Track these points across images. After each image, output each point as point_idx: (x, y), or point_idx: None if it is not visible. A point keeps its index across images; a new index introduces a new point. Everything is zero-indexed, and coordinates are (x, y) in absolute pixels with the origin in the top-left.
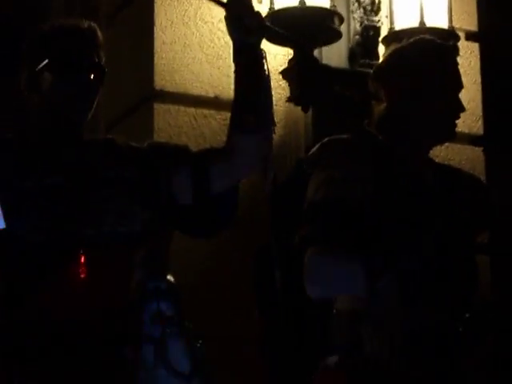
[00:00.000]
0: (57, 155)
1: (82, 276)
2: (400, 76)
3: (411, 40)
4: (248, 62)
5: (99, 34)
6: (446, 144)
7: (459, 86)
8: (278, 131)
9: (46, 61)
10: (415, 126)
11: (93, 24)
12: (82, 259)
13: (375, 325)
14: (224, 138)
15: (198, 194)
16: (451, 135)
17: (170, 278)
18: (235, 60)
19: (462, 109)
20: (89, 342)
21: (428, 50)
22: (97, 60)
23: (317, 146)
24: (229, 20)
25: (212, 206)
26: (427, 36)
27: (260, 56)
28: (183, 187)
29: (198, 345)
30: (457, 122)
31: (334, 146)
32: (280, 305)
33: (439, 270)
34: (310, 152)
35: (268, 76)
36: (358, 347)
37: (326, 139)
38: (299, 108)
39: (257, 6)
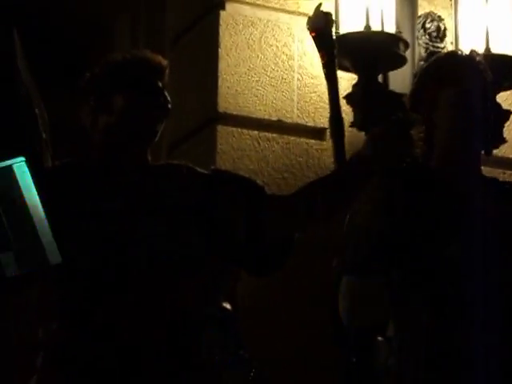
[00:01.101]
0: (119, 180)
1: (133, 298)
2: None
3: None
4: (359, 176)
5: (164, 64)
6: (510, 172)
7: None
8: None
9: (119, 83)
10: (440, 139)
11: (163, 60)
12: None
13: (402, 347)
14: (286, 162)
15: (250, 234)
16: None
17: (225, 305)
18: (351, 165)
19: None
20: (144, 363)
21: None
22: (166, 94)
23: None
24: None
25: (266, 247)
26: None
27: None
28: (236, 223)
29: (252, 374)
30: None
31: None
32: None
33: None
34: None
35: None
36: (388, 371)
37: None
38: (363, 133)
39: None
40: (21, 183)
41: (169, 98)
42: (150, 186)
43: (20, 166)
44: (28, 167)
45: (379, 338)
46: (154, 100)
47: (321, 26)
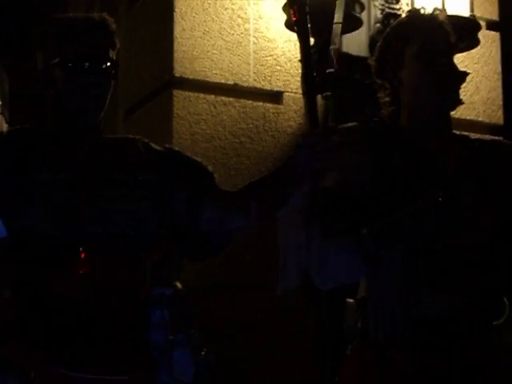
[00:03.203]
0: (73, 151)
1: (81, 272)
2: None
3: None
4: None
5: (112, 25)
6: (466, 133)
7: (440, 50)
8: (298, 120)
9: (58, 59)
10: (407, 99)
11: (105, 16)
12: (83, 254)
13: (377, 307)
14: (243, 126)
15: (189, 221)
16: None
17: (177, 284)
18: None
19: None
20: (95, 336)
21: (406, 19)
22: (110, 55)
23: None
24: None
25: (201, 234)
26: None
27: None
28: (178, 209)
29: (203, 353)
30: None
31: (334, 137)
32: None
33: (447, 250)
34: None
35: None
36: (364, 333)
37: None
38: (319, 96)
39: None
40: None
41: (113, 63)
42: (105, 158)
43: None
44: None
45: (349, 300)
46: (91, 77)
47: None
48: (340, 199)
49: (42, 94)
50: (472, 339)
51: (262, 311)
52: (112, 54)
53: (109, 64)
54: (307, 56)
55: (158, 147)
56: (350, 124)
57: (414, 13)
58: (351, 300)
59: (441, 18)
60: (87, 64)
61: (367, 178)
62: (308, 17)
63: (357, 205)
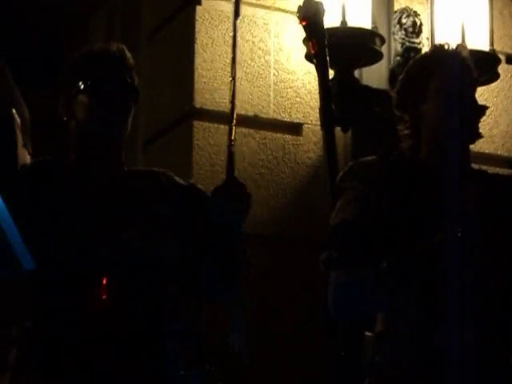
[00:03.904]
0: (94, 181)
1: (103, 297)
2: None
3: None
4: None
5: (128, 55)
6: (484, 167)
7: (463, 85)
8: (317, 151)
9: (79, 84)
10: (427, 132)
11: (121, 46)
12: (104, 281)
13: (395, 341)
14: (262, 157)
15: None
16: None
17: (191, 319)
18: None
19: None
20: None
21: (430, 54)
22: (129, 80)
23: (341, 172)
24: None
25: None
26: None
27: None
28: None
29: None
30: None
31: (354, 170)
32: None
33: (465, 285)
34: (337, 177)
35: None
36: (381, 367)
37: (350, 163)
38: (339, 128)
39: (298, 27)
40: None
41: (132, 86)
42: (126, 189)
43: None
44: None
45: (367, 333)
46: (109, 104)
47: (312, 14)
48: (359, 232)
49: (64, 127)
50: (489, 374)
51: (279, 341)
52: (133, 80)
53: (128, 86)
54: (325, 89)
55: (181, 181)
56: (368, 158)
57: (438, 48)
58: (369, 333)
59: (464, 53)
60: (107, 85)
61: (386, 213)
62: (327, 49)
63: (376, 238)
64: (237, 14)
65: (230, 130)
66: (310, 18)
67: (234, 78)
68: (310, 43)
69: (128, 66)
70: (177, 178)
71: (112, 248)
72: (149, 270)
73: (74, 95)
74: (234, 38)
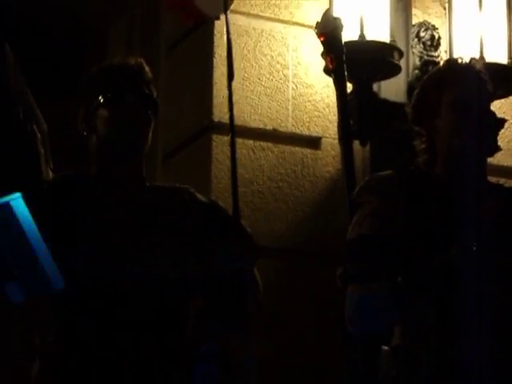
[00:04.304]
0: (116, 195)
1: (123, 312)
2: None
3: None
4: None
5: (147, 68)
6: (503, 180)
7: (475, 99)
8: (336, 165)
9: (100, 99)
10: (442, 147)
11: (139, 60)
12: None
13: (410, 354)
14: (281, 171)
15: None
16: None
17: (221, 339)
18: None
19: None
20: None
21: (443, 68)
22: (148, 93)
23: (358, 186)
24: None
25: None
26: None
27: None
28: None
29: None
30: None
31: (370, 185)
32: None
33: (483, 297)
34: (354, 192)
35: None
36: (398, 381)
37: (366, 178)
38: (357, 142)
39: (316, 41)
40: (19, 217)
41: (152, 99)
42: (148, 203)
43: (17, 202)
44: (24, 202)
45: (384, 347)
46: (130, 117)
47: (330, 30)
48: (375, 247)
49: (83, 140)
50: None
51: (294, 352)
52: (152, 93)
53: (148, 99)
54: (343, 103)
55: (203, 198)
56: (385, 172)
57: (451, 62)
58: (386, 347)
59: (478, 67)
60: (128, 98)
61: (402, 227)
62: (345, 65)
63: (392, 252)
64: (225, 8)
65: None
66: (328, 33)
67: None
68: (328, 58)
69: (147, 79)
70: (198, 195)
71: (136, 262)
72: (170, 284)
73: (95, 109)
74: (227, 26)
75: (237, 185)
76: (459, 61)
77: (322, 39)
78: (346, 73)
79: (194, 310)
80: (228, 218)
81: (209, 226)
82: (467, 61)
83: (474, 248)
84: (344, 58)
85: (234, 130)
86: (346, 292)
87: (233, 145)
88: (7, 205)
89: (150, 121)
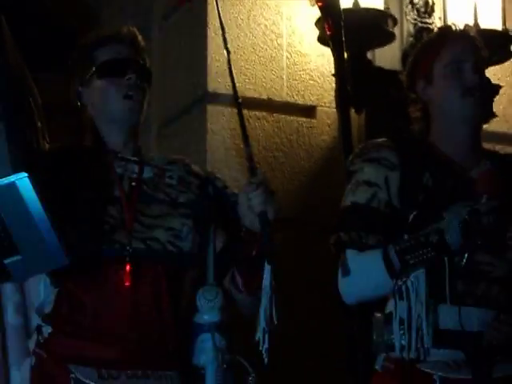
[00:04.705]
0: (114, 169)
1: (127, 284)
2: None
3: None
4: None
5: (139, 37)
6: (498, 146)
7: (468, 67)
8: (331, 133)
9: (93, 69)
10: (435, 115)
11: (132, 28)
12: (128, 268)
13: (403, 323)
14: (277, 140)
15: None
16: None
17: (222, 310)
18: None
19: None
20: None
21: (435, 36)
22: (141, 62)
23: (352, 153)
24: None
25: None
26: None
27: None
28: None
29: (251, 378)
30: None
31: (364, 152)
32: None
33: (474, 267)
34: (348, 159)
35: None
36: (390, 348)
37: (360, 145)
38: (352, 110)
39: (310, 9)
40: (25, 196)
41: (145, 67)
42: (146, 177)
43: (23, 181)
44: (30, 181)
45: (377, 314)
46: (125, 88)
47: None
48: (368, 215)
49: (79, 113)
50: (500, 355)
51: (296, 322)
52: (145, 61)
53: (142, 69)
54: (341, 70)
55: (198, 170)
56: (379, 140)
57: (444, 29)
58: (379, 314)
59: (471, 33)
60: (121, 66)
61: (395, 194)
62: (343, 31)
63: (385, 220)
64: None
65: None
66: None
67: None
68: (326, 24)
69: (140, 47)
70: (193, 167)
71: (135, 236)
72: (171, 257)
73: (88, 80)
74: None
75: (251, 151)
76: (452, 27)
77: (319, 5)
78: (343, 39)
79: (189, 280)
80: (225, 189)
81: (206, 198)
82: (461, 27)
83: (466, 216)
84: (342, 24)
85: (238, 100)
86: (338, 259)
87: (240, 114)
88: (13, 184)
89: (145, 92)
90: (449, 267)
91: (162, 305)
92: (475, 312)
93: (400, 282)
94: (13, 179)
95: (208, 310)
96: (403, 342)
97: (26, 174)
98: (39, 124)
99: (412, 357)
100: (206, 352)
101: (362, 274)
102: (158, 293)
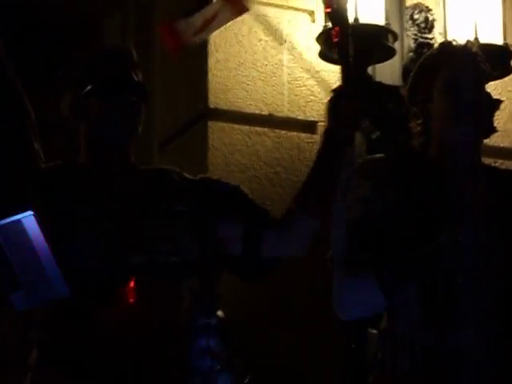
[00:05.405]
0: (109, 183)
1: (131, 300)
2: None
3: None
4: (334, 152)
5: (134, 53)
6: (499, 161)
7: (468, 84)
8: None
9: (89, 87)
10: (435, 130)
11: (127, 45)
12: (132, 284)
13: (396, 339)
14: (277, 156)
15: (247, 252)
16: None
17: (220, 314)
18: (323, 145)
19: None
20: (138, 366)
21: (437, 51)
22: (136, 79)
23: (350, 170)
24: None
25: (255, 258)
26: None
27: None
28: (233, 240)
29: (247, 380)
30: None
31: (362, 168)
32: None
33: (468, 286)
34: (346, 176)
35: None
36: (383, 364)
37: (359, 161)
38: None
39: (311, 26)
40: (30, 234)
41: (142, 85)
42: (142, 189)
43: (28, 219)
44: (36, 219)
45: (371, 330)
46: (122, 108)
47: (336, 2)
48: (364, 232)
49: (74, 129)
50: (491, 373)
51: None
52: (139, 78)
53: (138, 87)
54: (349, 76)
55: (191, 176)
56: (378, 156)
57: (444, 45)
58: (374, 331)
59: (473, 49)
60: (119, 84)
61: (392, 213)
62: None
63: (380, 236)
64: None
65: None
66: (333, 5)
67: None
68: (333, 32)
69: (135, 64)
70: (186, 174)
71: (137, 250)
72: (173, 268)
73: (84, 97)
74: None
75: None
76: (453, 43)
77: (327, 11)
78: (351, 46)
79: (189, 288)
80: (228, 185)
81: (205, 201)
82: (462, 43)
83: (459, 238)
84: (350, 31)
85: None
86: (334, 275)
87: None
88: (19, 222)
89: (141, 111)
90: (442, 286)
91: (169, 319)
92: (466, 333)
93: (392, 301)
94: (19, 217)
95: (205, 313)
96: (395, 358)
97: (32, 212)
98: (36, 146)
99: (401, 373)
100: (203, 354)
101: (356, 291)
102: (164, 306)
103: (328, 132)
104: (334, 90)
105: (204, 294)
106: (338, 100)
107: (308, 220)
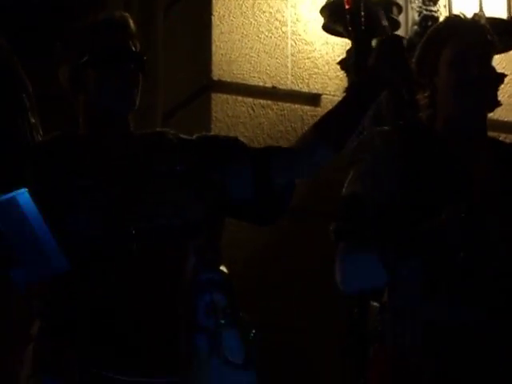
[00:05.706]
0: (108, 152)
1: (135, 268)
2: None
3: None
4: (369, 94)
5: (131, 23)
6: (503, 135)
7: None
8: None
9: (86, 57)
10: (441, 104)
11: (124, 14)
12: (135, 251)
13: (396, 313)
14: (281, 128)
15: (259, 190)
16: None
17: (223, 269)
18: (361, 84)
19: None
20: (143, 329)
21: (443, 24)
22: (133, 49)
23: (354, 142)
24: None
25: (269, 196)
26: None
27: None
28: (243, 183)
29: (252, 335)
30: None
31: (366, 141)
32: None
33: (470, 261)
34: (350, 148)
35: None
36: (383, 337)
37: (364, 133)
38: None
39: None
40: (25, 210)
41: (139, 54)
42: (140, 153)
43: (23, 196)
44: (30, 196)
45: (373, 303)
46: (121, 78)
47: None
48: (367, 205)
49: (72, 100)
50: (491, 351)
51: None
52: (136, 48)
53: (136, 54)
54: (360, 43)
55: (187, 136)
56: (384, 128)
57: (452, 18)
58: (375, 303)
59: (480, 22)
60: (116, 54)
61: (395, 186)
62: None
63: (383, 211)
64: None
65: None
66: None
67: None
68: None
69: (131, 34)
70: (181, 135)
71: (140, 216)
72: (177, 230)
73: (82, 68)
74: None
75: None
76: (461, 16)
77: None
78: (362, 12)
79: (193, 248)
80: (226, 137)
81: (205, 157)
82: (468, 16)
83: (463, 214)
84: None
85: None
86: (337, 248)
87: None
88: (13, 199)
89: (139, 80)
90: (444, 263)
91: (173, 280)
92: (466, 309)
93: (394, 274)
94: (13, 194)
95: (209, 269)
96: (395, 332)
97: (26, 189)
98: (33, 120)
99: (401, 346)
100: (208, 310)
101: (358, 264)
102: (168, 270)
103: (371, 72)
104: (392, 36)
105: (205, 250)
106: (395, 45)
107: (325, 148)
